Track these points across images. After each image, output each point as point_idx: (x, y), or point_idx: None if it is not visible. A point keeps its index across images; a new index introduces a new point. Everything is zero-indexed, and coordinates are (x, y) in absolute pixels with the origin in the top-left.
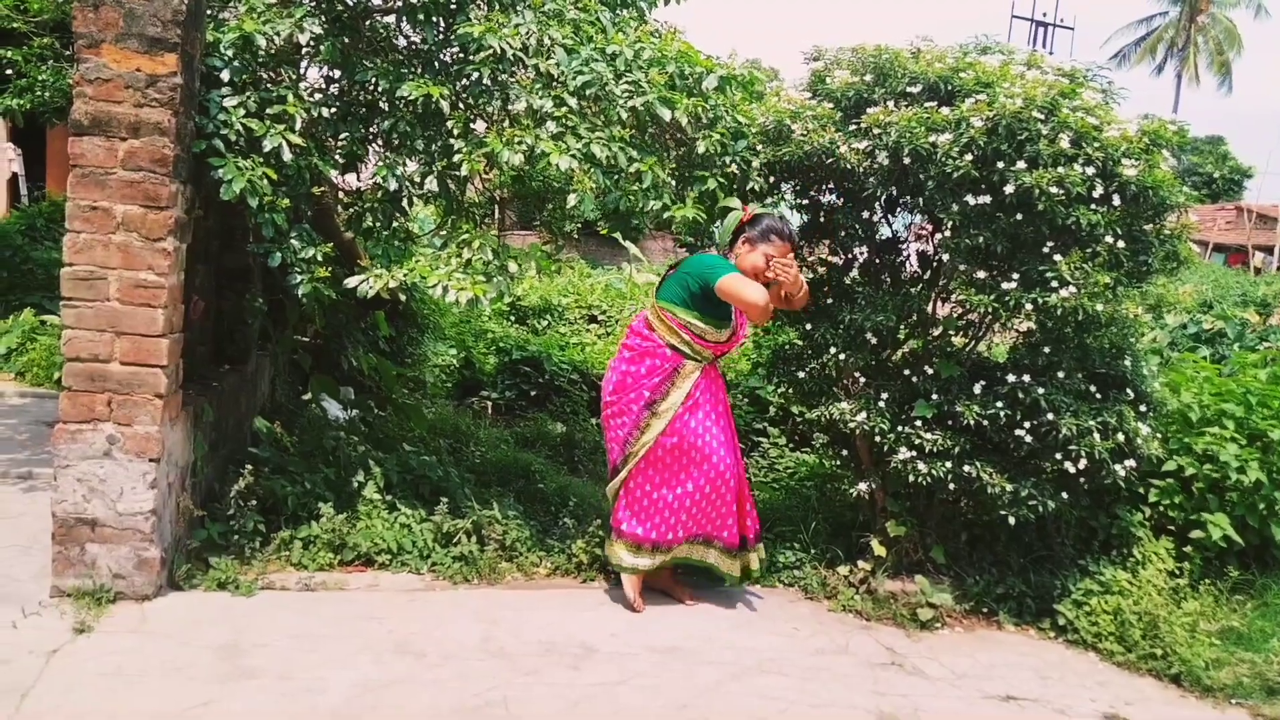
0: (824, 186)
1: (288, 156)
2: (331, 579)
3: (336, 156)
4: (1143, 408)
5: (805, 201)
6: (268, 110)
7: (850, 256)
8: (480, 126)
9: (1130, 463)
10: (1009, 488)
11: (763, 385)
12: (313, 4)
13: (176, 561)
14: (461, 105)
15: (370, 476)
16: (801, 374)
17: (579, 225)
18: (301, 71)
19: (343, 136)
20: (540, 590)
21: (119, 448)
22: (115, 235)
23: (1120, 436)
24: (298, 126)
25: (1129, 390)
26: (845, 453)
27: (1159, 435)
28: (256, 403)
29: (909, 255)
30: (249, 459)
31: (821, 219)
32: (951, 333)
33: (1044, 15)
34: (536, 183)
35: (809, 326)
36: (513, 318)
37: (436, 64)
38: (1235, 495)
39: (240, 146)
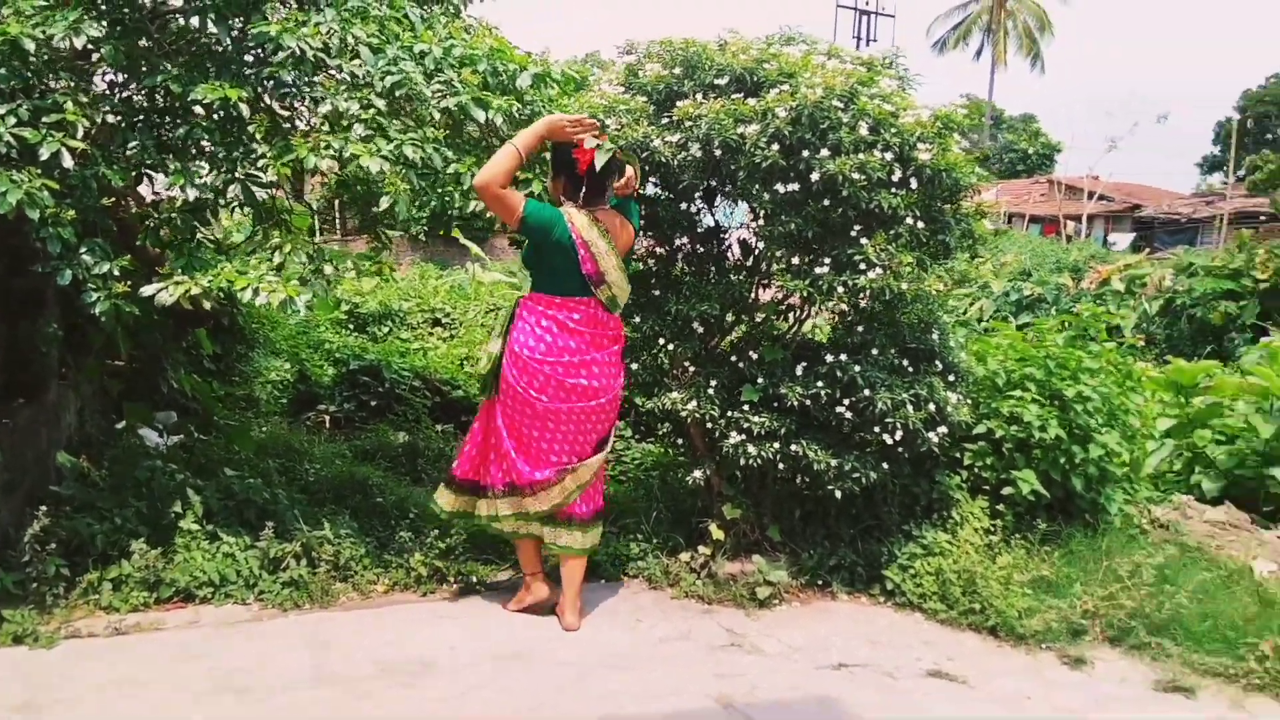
0: (645, 179)
1: (69, 163)
2: (146, 619)
3: (128, 166)
4: (951, 377)
5: None
6: (44, 119)
7: (674, 247)
8: (301, 126)
9: (942, 430)
10: (833, 463)
11: None
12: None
13: None
14: (263, 109)
15: (188, 506)
16: (635, 365)
17: (424, 228)
18: (91, 77)
19: (132, 145)
20: (377, 609)
21: None
22: None
23: (931, 406)
24: (79, 134)
25: (938, 362)
26: (681, 441)
27: (969, 401)
28: (61, 436)
29: (730, 244)
30: (50, 498)
31: (644, 211)
32: (774, 318)
33: (866, 4)
34: (361, 186)
35: (637, 319)
36: (351, 326)
37: (234, 66)
38: (1039, 452)
39: (14, 159)
